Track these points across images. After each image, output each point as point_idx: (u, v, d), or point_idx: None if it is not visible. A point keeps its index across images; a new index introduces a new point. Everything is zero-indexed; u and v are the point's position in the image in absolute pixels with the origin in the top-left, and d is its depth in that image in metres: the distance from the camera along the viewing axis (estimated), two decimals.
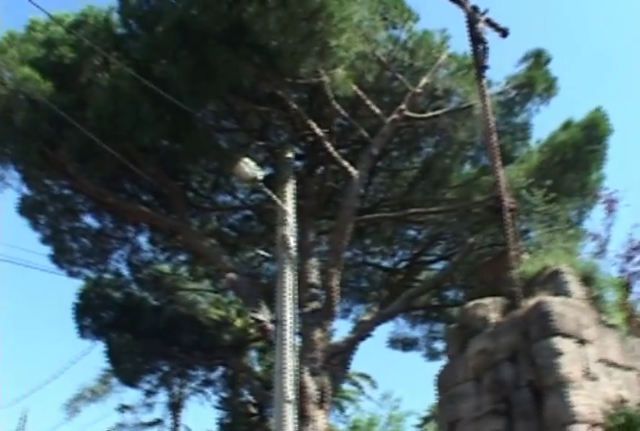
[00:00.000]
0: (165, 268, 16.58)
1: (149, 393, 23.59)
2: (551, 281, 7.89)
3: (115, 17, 10.98)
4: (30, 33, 11.22)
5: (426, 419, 27.65)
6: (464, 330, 8.98)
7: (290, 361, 9.63)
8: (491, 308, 10.29)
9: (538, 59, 12.70)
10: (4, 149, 12.23)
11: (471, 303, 11.50)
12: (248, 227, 14.73)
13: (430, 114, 12.14)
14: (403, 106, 11.63)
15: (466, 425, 7.98)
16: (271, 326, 11.51)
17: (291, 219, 10.74)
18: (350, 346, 13.61)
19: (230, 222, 14.74)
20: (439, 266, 15.48)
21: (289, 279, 10.22)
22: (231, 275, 12.51)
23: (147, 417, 25.64)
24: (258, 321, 12.66)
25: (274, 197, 10.52)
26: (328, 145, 11.69)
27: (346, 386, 23.44)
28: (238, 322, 18.95)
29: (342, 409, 25.24)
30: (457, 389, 8.19)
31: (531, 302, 7.54)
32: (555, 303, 7.23)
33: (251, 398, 22.32)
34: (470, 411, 7.84)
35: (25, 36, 11.23)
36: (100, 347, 19.37)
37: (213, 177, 13.55)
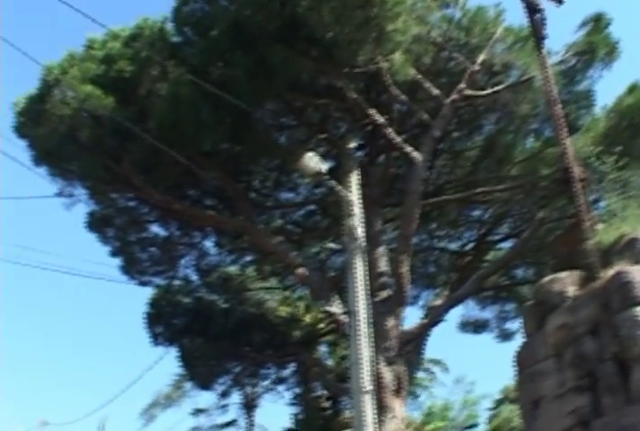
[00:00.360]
0: (233, 269, 16.92)
1: (223, 395, 24.08)
2: (629, 249, 7.69)
3: (170, 26, 11.22)
4: (88, 52, 11.57)
5: (500, 402, 27.63)
6: (541, 307, 8.93)
7: (366, 351, 9.68)
8: (567, 282, 10.24)
9: (598, 24, 12.51)
10: (71, 167, 12.67)
11: (546, 279, 11.46)
12: (312, 222, 14.92)
13: (489, 91, 12.11)
14: (462, 85, 11.64)
15: (549, 403, 7.93)
16: (343, 318, 11.68)
17: (358, 209, 10.82)
18: (422, 332, 13.71)
19: (294, 218, 14.97)
20: (507, 244, 15.47)
21: (360, 269, 10.27)
22: (301, 270, 12.73)
23: (222, 419, 26.32)
24: (330, 314, 12.88)
25: (339, 188, 10.64)
26: (389, 131, 11.76)
27: (419, 373, 23.55)
28: (307, 318, 19.20)
29: (415, 396, 25.38)
30: (538, 367, 8.13)
31: (610, 272, 7.38)
32: (636, 272, 7.04)
33: (324, 392, 22.62)
34: (553, 389, 7.77)
35: (84, 55, 11.59)
36: (173, 353, 19.93)
37: (275, 175, 13.77)
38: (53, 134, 11.97)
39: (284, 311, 18.89)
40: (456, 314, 19.06)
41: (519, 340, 14.63)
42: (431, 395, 26.17)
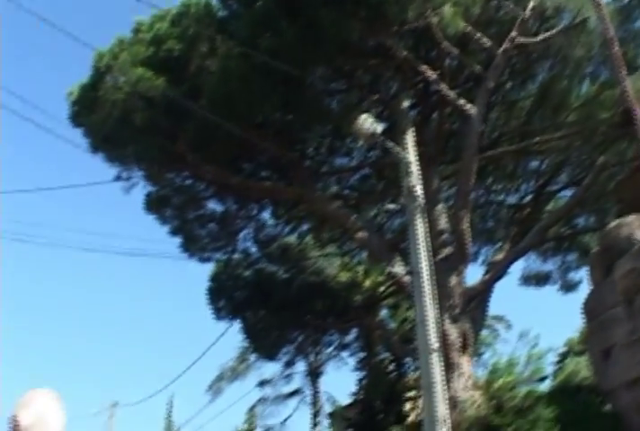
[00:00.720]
0: (291, 239, 17.27)
1: (287, 365, 24.75)
2: None
3: (215, 2, 11.36)
4: (137, 35, 11.82)
5: (565, 355, 27.73)
6: (607, 253, 8.89)
7: (430, 310, 9.80)
8: (635, 226, 10.18)
9: None
10: (127, 151, 13.05)
11: (612, 224, 11.45)
12: (368, 186, 15.11)
13: (542, 37, 12.00)
14: (513, 33, 11.56)
15: (620, 350, 7.95)
16: (406, 278, 11.90)
17: (415, 168, 10.90)
18: (486, 288, 13.85)
19: (350, 183, 15.17)
20: (567, 193, 15.43)
21: (420, 228, 10.36)
22: (360, 233, 12.96)
23: (287, 389, 27.10)
24: (393, 276, 13.12)
25: (395, 148, 10.73)
26: (441, 86, 11.79)
27: (483, 330, 23.80)
28: (367, 282, 19.55)
29: (480, 354, 25.67)
30: (608, 314, 8.12)
31: None
32: None
33: (388, 355, 23.07)
34: (624, 336, 7.79)
35: (133, 38, 11.84)
36: (236, 326, 20.52)
37: (328, 141, 13.94)
38: (107, 119, 12.34)
39: (344, 277, 19.25)
40: (517, 269, 19.11)
41: (583, 291, 14.73)
42: (495, 352, 26.43)
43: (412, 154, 11.03)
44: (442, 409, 9.16)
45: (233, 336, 23.79)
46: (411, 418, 20.93)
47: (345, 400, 25.76)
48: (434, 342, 9.52)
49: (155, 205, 14.96)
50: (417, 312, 10.11)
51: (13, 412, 2.41)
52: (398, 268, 12.45)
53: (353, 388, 24.16)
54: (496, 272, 13.93)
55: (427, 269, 10.13)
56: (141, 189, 14.67)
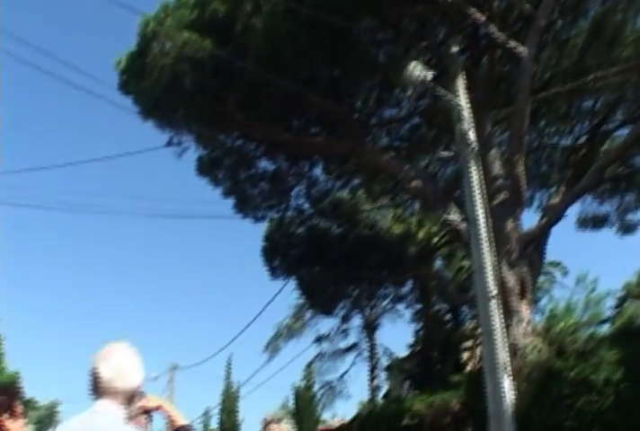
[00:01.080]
0: (343, 194, 17.62)
1: (343, 320, 25.45)
2: None
3: None
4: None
5: (623, 299, 27.75)
6: None
7: (487, 257, 9.98)
8: None
9: None
10: (177, 115, 13.41)
11: None
12: (419, 136, 15.23)
13: None
14: None
15: None
16: (462, 226, 12.10)
17: (467, 113, 10.99)
18: (542, 232, 13.93)
19: (400, 134, 15.30)
20: (623, 132, 15.29)
21: (475, 174, 10.50)
22: (414, 182, 13.17)
23: (344, 344, 27.91)
24: (448, 224, 13.33)
25: (446, 94, 10.81)
26: (491, 29, 11.74)
27: (540, 276, 23.96)
28: (421, 234, 19.86)
29: (538, 301, 25.91)
30: None
31: None
32: None
33: (444, 306, 23.54)
34: None
35: (177, 3, 12.04)
36: (291, 284, 21.13)
37: (376, 93, 14.05)
38: (156, 85, 12.67)
39: (397, 229, 19.58)
40: (573, 212, 19.13)
41: None
42: (552, 298, 26.58)
43: (463, 100, 11.11)
44: (503, 356, 9.45)
45: (288, 294, 24.49)
46: (469, 368, 21.45)
47: (402, 352, 26.52)
48: (492, 289, 9.74)
49: (206, 167, 15.40)
50: (474, 260, 10.35)
51: (93, 365, 2.44)
52: (454, 216, 12.63)
53: (410, 340, 24.87)
54: (552, 216, 13.98)
55: (483, 216, 10.30)
56: (193, 153, 15.18)
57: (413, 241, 19.56)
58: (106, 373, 2.39)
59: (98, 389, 2.41)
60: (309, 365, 30.95)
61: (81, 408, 2.54)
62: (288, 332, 28.12)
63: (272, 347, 28.73)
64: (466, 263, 20.39)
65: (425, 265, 20.07)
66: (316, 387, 31.70)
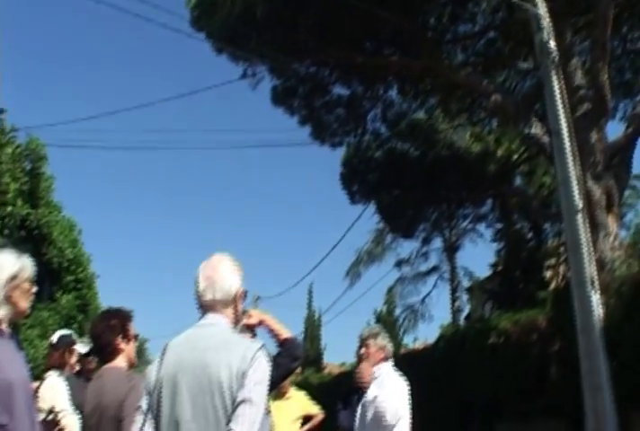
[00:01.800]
0: (419, 115, 18.04)
1: (424, 242, 26.25)
2: None
3: None
4: None
5: None
6: None
7: (572, 169, 10.04)
8: None
9: None
10: (250, 47, 14.03)
11: None
12: (495, 50, 15.34)
13: None
14: None
15: None
16: (545, 139, 12.39)
17: (546, 22, 11.03)
18: (628, 143, 13.93)
19: (476, 50, 15.45)
20: None
21: (557, 85, 10.50)
22: (494, 96, 13.48)
23: (425, 267, 28.76)
24: (530, 138, 13.63)
25: (524, 4, 10.89)
26: None
27: (626, 190, 23.89)
28: (500, 151, 20.18)
29: (622, 216, 25.89)
30: None
31: None
32: None
33: (526, 223, 23.92)
34: None
35: None
36: (370, 210, 21.94)
37: (449, 9, 14.26)
38: (228, 19, 13.29)
39: (476, 147, 19.95)
40: None
41: None
42: (638, 213, 26.49)
43: (542, 9, 11.17)
44: (590, 270, 9.52)
45: (368, 219, 25.27)
46: (552, 285, 21.89)
47: (483, 273, 27.19)
48: (578, 202, 9.78)
49: (282, 96, 16.09)
50: (558, 173, 10.44)
51: (194, 278, 2.50)
52: (535, 130, 12.90)
53: (491, 260, 25.45)
54: (638, 126, 14.01)
55: (566, 127, 10.30)
56: (267, 84, 15.89)
57: (492, 160, 19.89)
58: (201, 284, 2.45)
59: (198, 302, 2.48)
60: (390, 290, 31.95)
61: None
62: (368, 258, 29.01)
63: (353, 273, 29.70)
64: (547, 179, 20.65)
65: (505, 183, 20.41)
66: (398, 311, 32.67)
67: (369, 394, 4.36)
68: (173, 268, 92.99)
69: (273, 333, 3.33)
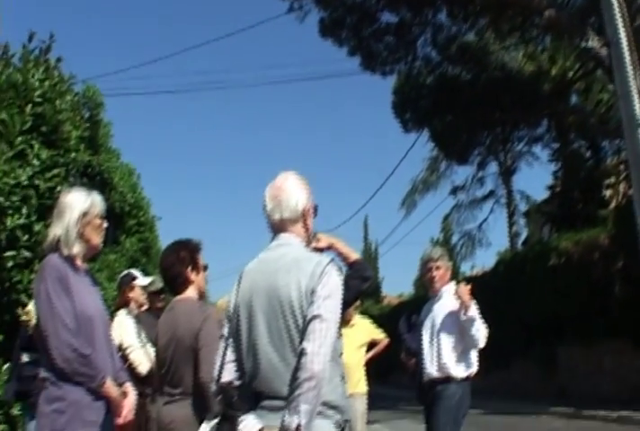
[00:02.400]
0: (470, 38, 17.43)
1: (479, 167, 25.89)
2: None
3: None
4: None
5: None
6: None
7: (633, 81, 9.67)
8: None
9: None
10: None
11: None
12: None
13: None
14: None
15: None
16: (603, 51, 11.85)
17: None
18: None
19: None
20: None
21: None
22: (548, 12, 12.92)
23: (480, 193, 28.40)
24: (587, 52, 13.06)
25: None
26: None
27: None
28: (554, 69, 19.44)
29: None
30: None
31: None
32: None
33: (583, 142, 23.22)
34: None
35: None
36: (423, 139, 21.65)
37: None
38: None
39: (529, 67, 19.26)
40: None
41: None
42: None
43: None
44: None
45: (421, 148, 25.02)
46: (613, 205, 21.41)
47: (540, 196, 26.70)
48: (639, 115, 9.51)
49: (330, 28, 15.77)
50: (618, 85, 10.10)
51: (263, 196, 2.45)
52: (592, 43, 12.38)
53: (548, 182, 24.92)
54: None
55: (625, 37, 9.87)
56: (314, 16, 15.55)
57: (547, 79, 19.18)
58: (269, 205, 2.42)
59: (268, 223, 2.45)
60: (446, 218, 31.74)
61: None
62: (423, 186, 28.75)
63: (409, 202, 29.56)
64: (604, 96, 19.87)
65: (561, 102, 19.76)
66: (455, 239, 32.49)
67: (438, 310, 4.43)
68: (225, 207, 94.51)
69: (342, 256, 3.28)
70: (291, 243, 2.39)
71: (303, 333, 2.17)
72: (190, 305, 3.34)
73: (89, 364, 2.63)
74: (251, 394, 2.24)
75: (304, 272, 2.25)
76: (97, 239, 2.93)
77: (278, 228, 2.42)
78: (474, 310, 4.19)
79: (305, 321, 2.18)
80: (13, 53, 4.41)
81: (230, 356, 2.33)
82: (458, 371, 4.17)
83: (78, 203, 2.86)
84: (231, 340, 2.35)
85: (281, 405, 2.15)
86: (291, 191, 2.42)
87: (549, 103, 19.25)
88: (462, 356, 4.18)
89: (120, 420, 2.80)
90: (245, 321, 2.30)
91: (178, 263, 3.40)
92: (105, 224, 2.98)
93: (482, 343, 4.16)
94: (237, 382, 2.28)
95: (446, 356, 4.21)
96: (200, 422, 3.13)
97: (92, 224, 2.88)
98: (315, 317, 2.16)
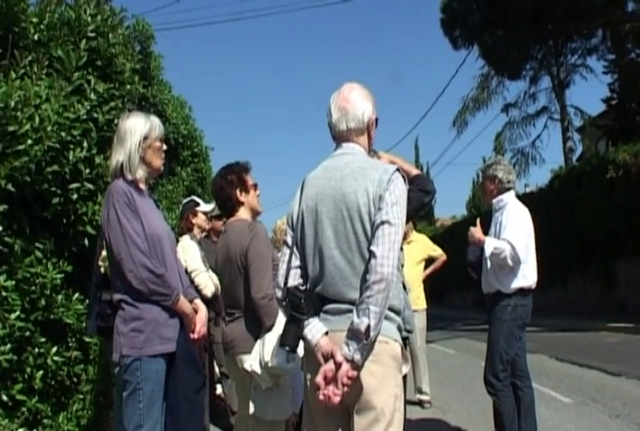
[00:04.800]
0: None
1: (531, 82, 25.00)
2: None
3: None
4: None
5: None
6: None
7: None
8: None
9: None
10: None
11: None
12: None
13: None
14: None
15: None
16: None
17: None
18: None
19: None
20: None
21: None
22: None
23: (533, 109, 27.46)
24: None
25: None
26: None
27: None
28: None
29: None
30: None
31: None
32: None
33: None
34: None
35: None
36: (474, 54, 20.89)
37: None
38: None
39: None
40: None
41: None
42: None
43: None
44: None
45: (471, 65, 24.16)
46: None
47: (595, 111, 25.70)
48: None
49: None
50: None
51: (328, 106, 2.42)
52: None
53: (603, 96, 23.92)
54: None
55: None
56: None
57: None
58: (334, 115, 2.40)
59: (332, 133, 2.45)
60: (498, 136, 30.80)
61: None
62: (474, 105, 27.77)
63: (460, 121, 28.53)
64: None
65: (617, 8, 18.77)
66: (507, 157, 31.70)
67: (492, 223, 4.38)
68: (275, 134, 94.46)
69: (404, 172, 3.30)
70: (355, 152, 2.39)
71: (372, 238, 2.19)
72: (240, 226, 3.38)
73: (163, 283, 2.71)
74: (316, 299, 2.27)
75: (371, 179, 2.25)
76: (158, 161, 2.95)
77: (342, 138, 2.42)
78: (490, 242, 4.15)
79: (373, 226, 2.20)
80: None
81: (295, 262, 2.34)
82: (507, 285, 4.17)
83: (139, 127, 2.87)
84: (295, 247, 2.36)
85: (346, 308, 2.20)
86: (358, 102, 2.40)
87: (604, 11, 18.35)
88: (510, 271, 4.16)
89: (195, 335, 2.89)
90: (311, 227, 2.31)
91: (227, 186, 3.45)
92: (165, 147, 2.99)
93: (514, 262, 4.09)
94: (302, 287, 2.31)
95: (491, 271, 4.22)
96: (256, 338, 3.24)
97: (152, 147, 2.90)
98: (383, 222, 2.18)
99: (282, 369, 3.10)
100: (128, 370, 2.70)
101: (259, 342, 3.22)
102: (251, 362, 3.17)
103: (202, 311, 2.97)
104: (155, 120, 2.96)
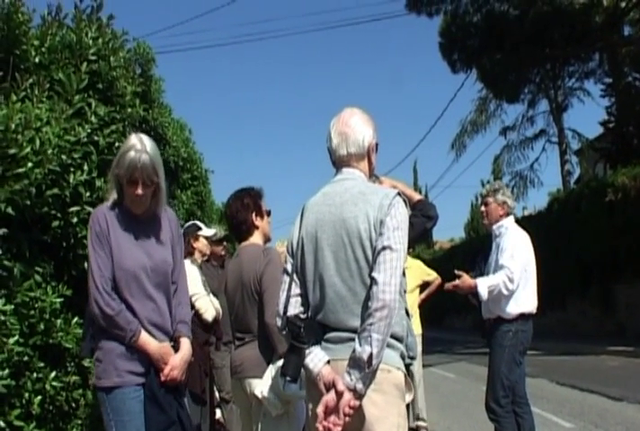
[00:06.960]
0: None
1: (529, 105, 25.18)
2: None
3: None
4: None
5: None
6: None
7: None
8: None
9: None
10: None
11: None
12: None
13: None
14: None
15: None
16: None
17: None
18: None
19: None
20: None
21: None
22: None
23: (531, 132, 27.62)
24: None
25: None
26: None
27: None
28: (605, 0, 18.53)
29: None
30: None
31: None
32: None
33: (637, 76, 22.23)
34: None
35: None
36: (472, 78, 21.05)
37: None
38: None
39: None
40: None
41: None
42: None
43: None
44: None
45: (469, 90, 24.36)
46: None
47: (593, 134, 25.83)
48: None
49: None
50: None
51: (328, 131, 2.39)
52: None
53: (601, 119, 24.02)
54: None
55: None
56: None
57: (598, 10, 18.36)
58: (334, 140, 2.37)
59: (332, 158, 2.41)
60: (497, 159, 31.00)
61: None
62: (472, 128, 27.97)
63: (458, 144, 28.76)
64: None
65: (614, 33, 18.98)
66: (505, 180, 31.74)
67: (493, 249, 4.35)
68: (276, 159, 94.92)
69: (406, 197, 3.27)
70: (355, 177, 2.36)
71: (373, 264, 2.15)
72: (254, 251, 3.37)
73: (113, 323, 2.60)
74: (317, 327, 2.23)
75: (371, 204, 2.22)
76: (130, 199, 2.68)
77: (342, 163, 2.38)
78: (483, 284, 4.12)
79: (374, 252, 2.16)
80: (65, 13, 4.41)
81: (295, 289, 2.30)
82: (508, 310, 4.14)
83: (121, 151, 2.71)
84: (295, 275, 2.33)
85: (347, 336, 2.16)
86: (358, 127, 2.37)
87: (601, 36, 18.52)
88: (512, 296, 4.13)
89: (162, 378, 2.65)
90: (311, 254, 2.27)
91: (243, 209, 3.42)
92: (140, 192, 2.68)
93: (510, 289, 4.06)
94: (303, 316, 2.27)
95: (494, 296, 4.18)
96: (268, 363, 3.24)
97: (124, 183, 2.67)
98: (384, 248, 2.14)
99: (297, 396, 3.04)
100: (99, 399, 2.65)
101: (271, 367, 3.18)
102: (262, 388, 3.12)
103: (182, 351, 2.75)
104: (138, 158, 2.64)
